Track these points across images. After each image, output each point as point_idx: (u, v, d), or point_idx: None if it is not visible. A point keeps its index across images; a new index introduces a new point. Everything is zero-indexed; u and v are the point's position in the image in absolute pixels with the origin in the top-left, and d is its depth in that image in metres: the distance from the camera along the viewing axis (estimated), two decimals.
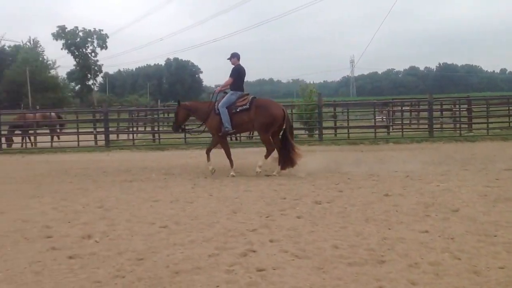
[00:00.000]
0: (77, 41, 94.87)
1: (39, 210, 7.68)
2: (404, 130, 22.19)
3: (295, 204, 7.71)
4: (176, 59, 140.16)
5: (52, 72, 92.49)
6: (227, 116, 10.75)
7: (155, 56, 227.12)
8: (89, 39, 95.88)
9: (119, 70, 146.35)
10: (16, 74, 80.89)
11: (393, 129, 22.68)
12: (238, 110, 10.80)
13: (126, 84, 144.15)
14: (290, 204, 7.73)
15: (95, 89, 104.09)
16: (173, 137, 20.90)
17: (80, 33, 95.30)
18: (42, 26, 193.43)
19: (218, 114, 10.90)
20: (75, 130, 21.42)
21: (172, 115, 28.19)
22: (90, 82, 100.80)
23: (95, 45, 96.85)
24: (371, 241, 5.53)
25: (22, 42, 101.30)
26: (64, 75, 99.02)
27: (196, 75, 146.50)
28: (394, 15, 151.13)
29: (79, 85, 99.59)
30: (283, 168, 10.93)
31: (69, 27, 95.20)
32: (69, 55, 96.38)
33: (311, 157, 12.61)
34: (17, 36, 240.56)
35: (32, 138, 21.87)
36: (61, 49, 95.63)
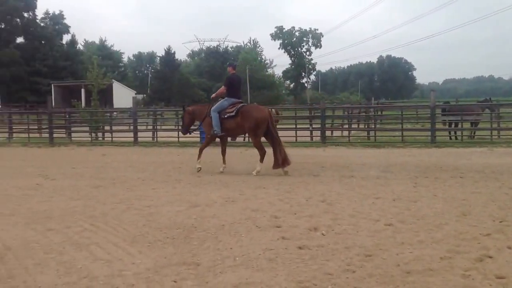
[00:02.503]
0: (293, 41, 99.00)
1: (266, 200, 8.07)
2: None
3: None
4: (388, 56, 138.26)
5: (269, 71, 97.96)
6: (217, 120, 11.63)
7: (368, 53, 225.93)
8: (304, 39, 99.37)
9: (331, 68, 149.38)
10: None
11: None
12: (226, 116, 11.59)
13: (337, 82, 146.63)
14: None
15: (308, 87, 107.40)
16: (389, 135, 20.58)
17: (296, 33, 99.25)
18: (261, 27, 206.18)
19: (211, 118, 11.74)
20: (293, 126, 22.24)
21: (386, 113, 28.00)
22: (304, 80, 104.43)
23: (310, 44, 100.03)
24: None
25: (243, 43, 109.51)
26: (280, 74, 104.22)
27: (409, 73, 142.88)
28: None
29: (293, 83, 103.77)
30: (275, 167, 11.22)
31: (286, 27, 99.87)
32: (285, 54, 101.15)
33: None
34: (239, 37, 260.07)
35: None
36: (278, 48, 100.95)
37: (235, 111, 11.46)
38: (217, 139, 12.28)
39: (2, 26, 73.22)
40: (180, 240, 5.73)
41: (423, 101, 47.06)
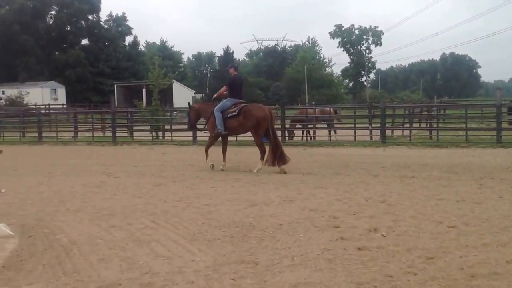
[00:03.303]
0: (352, 39, 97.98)
1: (324, 200, 8.00)
2: None
3: None
4: (452, 54, 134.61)
5: (328, 69, 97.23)
6: (220, 119, 12.04)
7: (430, 51, 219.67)
8: (364, 37, 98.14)
9: (391, 66, 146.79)
10: (295, 72, 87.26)
11: None
12: (229, 115, 11.98)
13: (397, 80, 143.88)
14: None
15: (367, 85, 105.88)
16: (452, 135, 19.97)
17: (356, 31, 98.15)
18: (320, 26, 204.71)
19: (215, 117, 12.17)
20: (352, 125, 21.96)
21: (449, 111, 27.23)
22: (363, 79, 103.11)
23: (370, 42, 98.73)
24: None
25: (302, 42, 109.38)
26: (339, 72, 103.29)
27: (474, 70, 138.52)
28: None
29: (352, 82, 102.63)
30: (272, 164, 11.52)
31: (346, 25, 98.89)
32: (344, 52, 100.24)
33: None
34: (297, 36, 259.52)
35: (311, 132, 23.11)
36: (337, 47, 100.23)
37: (237, 111, 11.87)
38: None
39: (68, 29, 76.05)
40: (238, 238, 5.77)
41: (488, 100, 45.56)
